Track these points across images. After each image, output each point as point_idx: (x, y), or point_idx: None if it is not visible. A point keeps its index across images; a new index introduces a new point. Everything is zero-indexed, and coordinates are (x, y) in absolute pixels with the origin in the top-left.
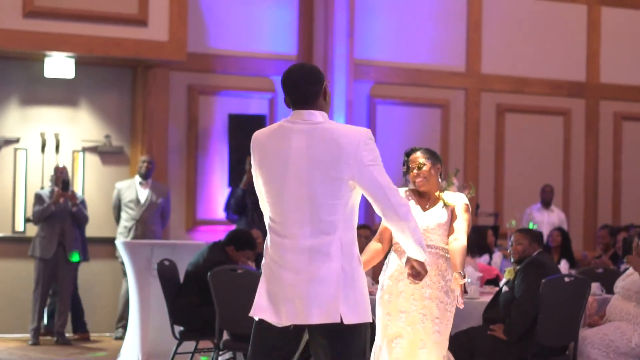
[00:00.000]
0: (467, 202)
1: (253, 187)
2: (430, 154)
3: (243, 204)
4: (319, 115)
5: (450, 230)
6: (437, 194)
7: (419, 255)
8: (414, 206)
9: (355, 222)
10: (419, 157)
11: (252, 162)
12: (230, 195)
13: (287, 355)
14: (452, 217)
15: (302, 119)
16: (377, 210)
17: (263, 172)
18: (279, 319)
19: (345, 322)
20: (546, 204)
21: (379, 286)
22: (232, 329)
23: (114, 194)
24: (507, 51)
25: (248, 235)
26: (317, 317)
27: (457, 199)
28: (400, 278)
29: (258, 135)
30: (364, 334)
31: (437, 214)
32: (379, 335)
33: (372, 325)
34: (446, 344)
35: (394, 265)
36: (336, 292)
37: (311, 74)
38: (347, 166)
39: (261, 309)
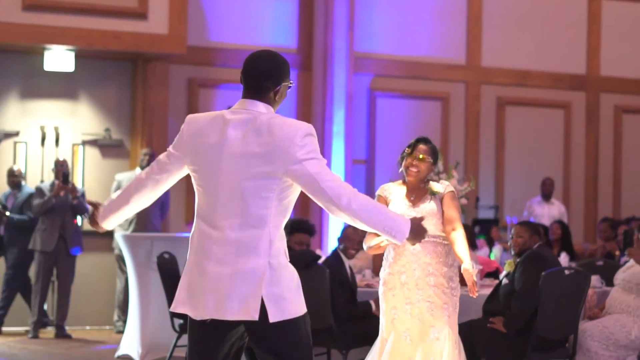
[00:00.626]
0: (453, 189)
1: None
2: (434, 153)
3: None
4: (262, 107)
5: (444, 222)
6: (423, 186)
7: (391, 235)
8: (401, 201)
9: (286, 219)
10: (424, 149)
11: (179, 143)
12: None
13: (213, 350)
14: (443, 206)
15: (245, 108)
16: (322, 205)
17: (196, 160)
18: (197, 312)
19: (271, 320)
20: (546, 197)
21: (381, 282)
22: None
23: (113, 185)
24: (508, 44)
25: None
26: (236, 313)
27: (444, 187)
28: (402, 271)
29: (194, 119)
30: (295, 330)
31: (426, 208)
32: (382, 329)
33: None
34: (455, 328)
35: (393, 259)
36: (259, 288)
37: (273, 68)
38: (279, 160)
39: (181, 302)
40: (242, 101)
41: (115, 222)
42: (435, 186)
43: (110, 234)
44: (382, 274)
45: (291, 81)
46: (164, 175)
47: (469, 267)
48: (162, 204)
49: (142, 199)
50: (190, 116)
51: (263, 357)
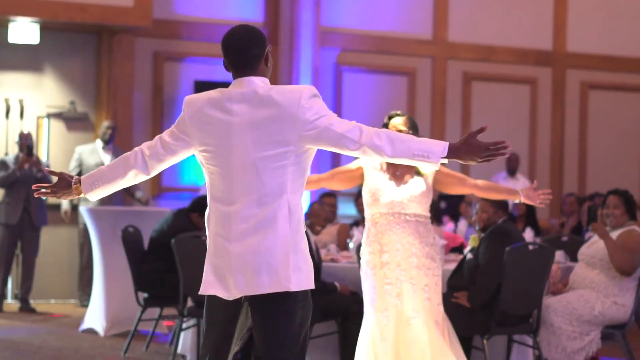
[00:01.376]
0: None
1: None
2: (412, 125)
3: None
4: (259, 82)
5: (460, 183)
6: None
7: (425, 159)
8: (387, 182)
9: (304, 184)
10: (400, 124)
11: (182, 125)
12: None
13: (236, 328)
14: (436, 180)
15: (242, 86)
16: (347, 153)
17: (205, 140)
18: (228, 293)
19: (293, 289)
20: (512, 172)
21: (363, 262)
22: (196, 296)
23: (73, 157)
24: (474, 19)
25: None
26: (269, 286)
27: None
28: (384, 250)
29: (193, 99)
30: (309, 300)
31: (412, 187)
32: (368, 309)
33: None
34: (438, 308)
35: (374, 237)
36: (285, 259)
37: (253, 36)
38: (290, 127)
39: (210, 285)
40: (237, 81)
41: (104, 193)
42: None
43: (75, 208)
44: (363, 253)
45: (269, 44)
46: (167, 155)
47: (521, 194)
48: None
49: (140, 174)
50: (188, 97)
51: (264, 329)
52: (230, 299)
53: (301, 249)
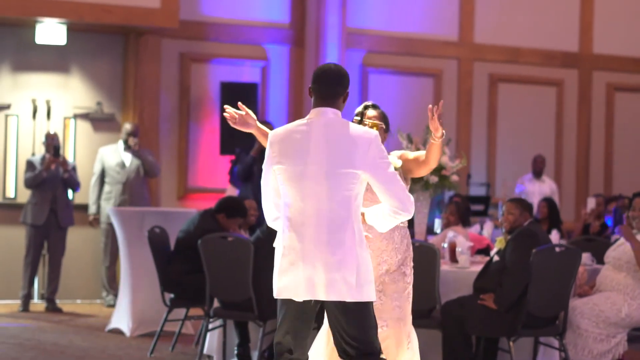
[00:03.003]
0: (403, 151)
1: (262, 154)
2: (385, 120)
3: (250, 171)
4: (331, 112)
5: (421, 160)
6: None
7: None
8: None
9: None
10: (376, 116)
11: (268, 157)
12: (236, 162)
13: (309, 322)
14: (406, 170)
15: (320, 115)
16: (384, 201)
17: (283, 164)
18: (298, 296)
19: (356, 299)
20: (537, 174)
21: None
22: (222, 297)
23: (97, 158)
24: (500, 21)
25: (239, 203)
26: (334, 295)
27: (398, 157)
28: None
29: (277, 132)
30: (372, 310)
31: None
32: None
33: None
34: (408, 319)
35: None
36: (350, 274)
37: (342, 76)
38: (360, 161)
39: (285, 289)
40: (315, 110)
41: None
42: (393, 161)
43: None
44: None
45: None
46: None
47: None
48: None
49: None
50: (273, 131)
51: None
52: (300, 299)
53: (366, 267)
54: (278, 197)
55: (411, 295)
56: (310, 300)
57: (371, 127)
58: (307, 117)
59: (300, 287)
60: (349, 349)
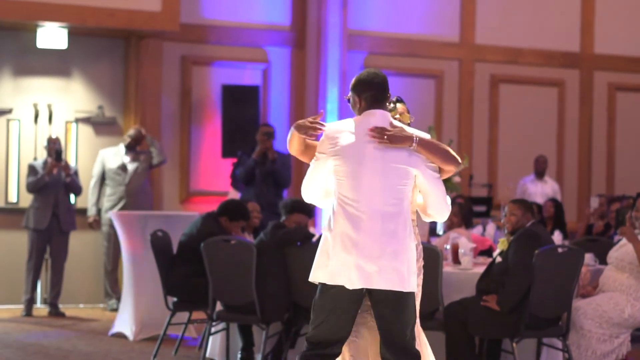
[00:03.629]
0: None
1: (264, 158)
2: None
3: (252, 174)
4: (379, 113)
5: None
6: None
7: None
8: None
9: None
10: (407, 110)
11: (325, 149)
12: (238, 165)
13: (353, 315)
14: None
15: (372, 116)
16: (426, 201)
17: (342, 157)
18: (352, 283)
19: (406, 290)
20: (540, 174)
21: None
22: (225, 300)
23: (97, 159)
24: (501, 21)
25: (241, 206)
26: (388, 284)
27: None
28: None
29: (333, 126)
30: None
31: None
32: None
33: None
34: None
35: None
36: (402, 264)
37: (387, 81)
38: (413, 159)
39: (337, 274)
40: (368, 112)
41: None
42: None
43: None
44: None
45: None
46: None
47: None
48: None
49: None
50: (329, 125)
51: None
52: (352, 288)
53: (414, 259)
54: (326, 185)
55: (419, 294)
56: (361, 290)
57: (402, 120)
58: (361, 116)
59: (353, 275)
60: (392, 348)
